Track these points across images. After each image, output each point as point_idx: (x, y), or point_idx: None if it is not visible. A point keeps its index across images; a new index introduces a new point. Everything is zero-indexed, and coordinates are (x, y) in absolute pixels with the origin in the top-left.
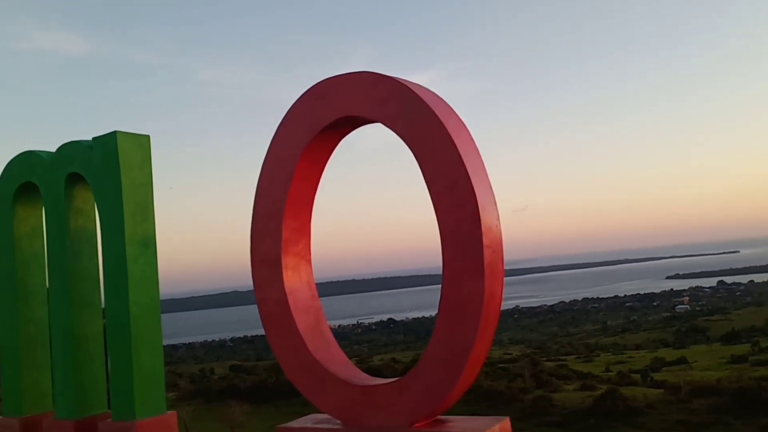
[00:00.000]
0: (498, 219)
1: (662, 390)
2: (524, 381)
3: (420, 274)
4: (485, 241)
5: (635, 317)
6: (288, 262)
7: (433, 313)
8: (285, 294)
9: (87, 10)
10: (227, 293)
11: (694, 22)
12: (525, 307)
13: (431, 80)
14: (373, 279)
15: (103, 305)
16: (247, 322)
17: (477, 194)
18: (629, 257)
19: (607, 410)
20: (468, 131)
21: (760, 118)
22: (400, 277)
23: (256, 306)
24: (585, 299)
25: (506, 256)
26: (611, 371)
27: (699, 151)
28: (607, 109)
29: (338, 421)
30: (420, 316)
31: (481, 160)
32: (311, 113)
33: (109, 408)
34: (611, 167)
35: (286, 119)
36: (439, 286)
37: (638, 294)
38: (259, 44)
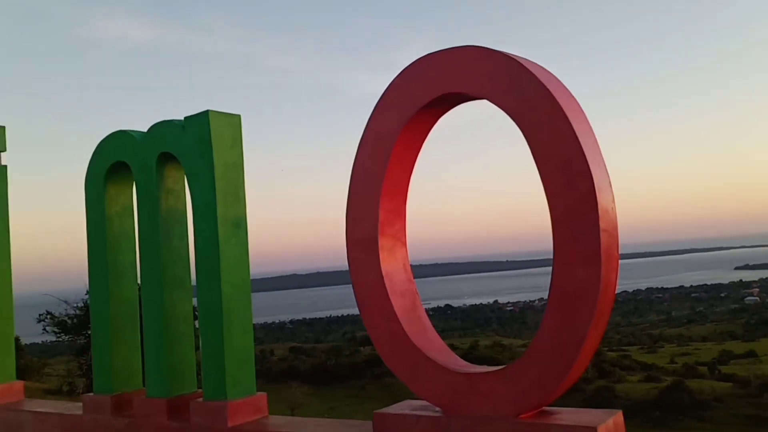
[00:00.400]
0: (614, 201)
1: (731, 383)
2: (586, 370)
3: (477, 260)
4: (601, 224)
5: (701, 308)
6: (384, 243)
7: (491, 300)
8: (382, 276)
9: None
10: (286, 276)
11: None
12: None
13: None
14: (430, 264)
15: (193, 285)
16: (306, 305)
17: (593, 174)
18: (696, 246)
19: (673, 402)
20: (580, 107)
21: None
22: (457, 263)
23: (313, 289)
24: (649, 289)
25: None
26: (676, 363)
27: None
28: (676, 93)
29: (437, 409)
30: (477, 303)
31: (595, 138)
32: (412, 90)
33: (198, 387)
34: (680, 155)
35: (385, 96)
36: (496, 273)
37: (705, 285)
38: (322, 32)
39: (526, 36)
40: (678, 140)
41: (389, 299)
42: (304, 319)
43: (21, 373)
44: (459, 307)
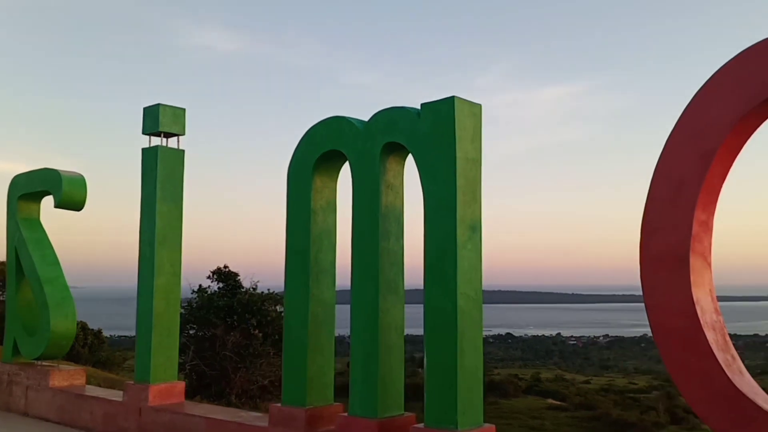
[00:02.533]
0: None
1: None
2: (657, 414)
3: (541, 290)
4: None
5: None
6: (694, 263)
7: (554, 332)
8: (692, 303)
9: (240, 9)
10: (344, 291)
11: None
12: (653, 337)
13: (576, 92)
14: (492, 291)
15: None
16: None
17: None
18: None
19: None
20: None
21: None
22: (521, 292)
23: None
24: None
25: (634, 282)
26: None
27: None
28: None
29: None
30: (539, 334)
31: None
32: (747, 83)
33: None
34: (760, 189)
35: (707, 89)
36: (560, 305)
37: None
38: (403, 50)
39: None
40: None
41: (702, 331)
42: None
43: (102, 365)
44: (520, 336)
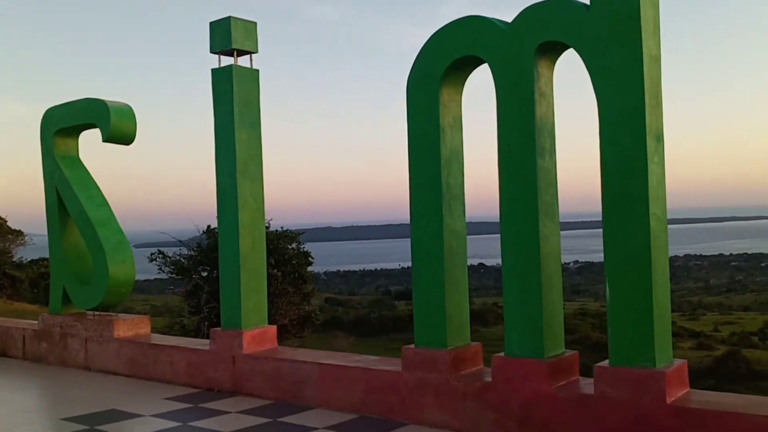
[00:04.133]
0: None
1: None
2: None
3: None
4: None
5: (741, 277)
6: None
7: None
8: None
9: None
10: (322, 228)
11: None
12: None
13: None
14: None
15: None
16: (340, 258)
17: None
18: (737, 215)
19: (729, 372)
20: None
21: None
22: (493, 222)
23: (348, 243)
24: (687, 255)
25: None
26: (720, 331)
27: None
28: (731, 57)
29: None
30: None
31: None
32: None
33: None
34: (725, 120)
35: None
36: None
37: (745, 254)
38: None
39: None
40: (728, 107)
41: None
42: (338, 271)
43: (107, 309)
44: (492, 266)
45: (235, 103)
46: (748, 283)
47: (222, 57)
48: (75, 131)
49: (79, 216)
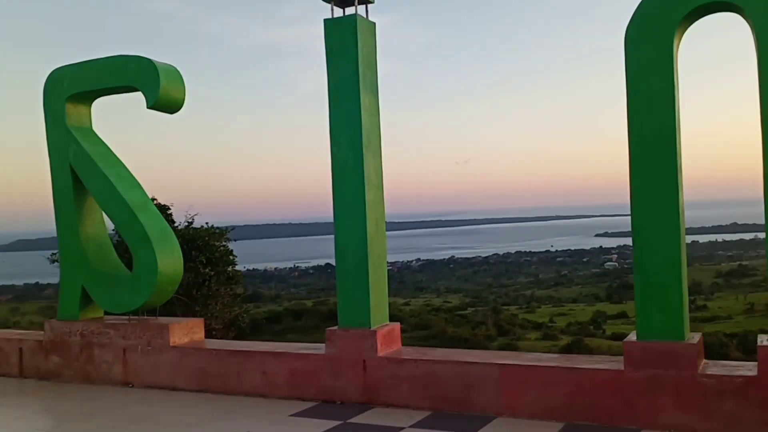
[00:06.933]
0: None
1: (621, 342)
2: (488, 329)
3: None
4: None
5: (566, 272)
6: None
7: None
8: None
9: None
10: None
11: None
12: (460, 258)
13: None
14: (311, 223)
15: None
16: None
17: None
18: (561, 214)
19: None
20: None
21: (696, 87)
22: (332, 223)
23: None
24: (518, 252)
25: (446, 207)
26: (555, 322)
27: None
28: (549, 66)
29: None
30: None
31: None
32: None
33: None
34: (550, 126)
35: None
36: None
37: (569, 250)
38: None
39: None
40: (550, 113)
41: None
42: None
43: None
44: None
45: (360, 62)
46: (573, 277)
47: (334, 7)
48: (91, 97)
49: (109, 199)
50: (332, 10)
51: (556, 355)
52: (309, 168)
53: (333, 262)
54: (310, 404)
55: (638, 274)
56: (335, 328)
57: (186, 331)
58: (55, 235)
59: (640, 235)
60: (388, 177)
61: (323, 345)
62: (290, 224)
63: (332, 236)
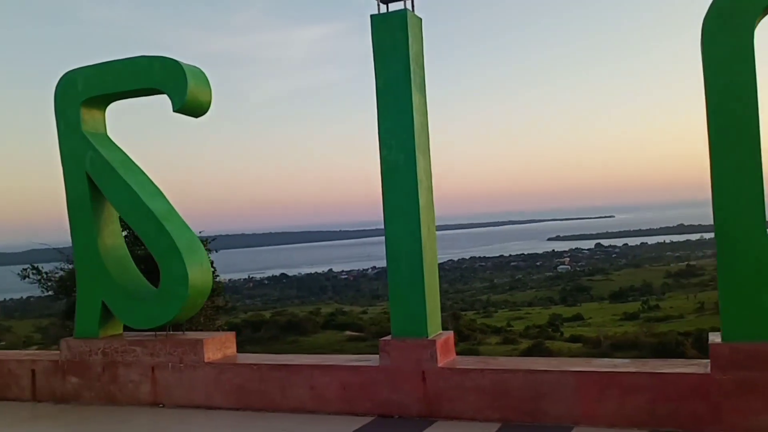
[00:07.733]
0: None
1: (580, 344)
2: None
3: (312, 230)
4: None
5: (520, 276)
6: None
7: (326, 268)
8: None
9: None
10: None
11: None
12: None
13: (324, 35)
14: (264, 234)
15: None
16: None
17: None
18: (514, 219)
19: None
20: None
21: (642, 93)
22: (291, 233)
23: None
24: (473, 258)
25: None
26: (513, 326)
27: (582, 124)
28: (501, 75)
29: None
30: (313, 272)
31: None
32: None
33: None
34: (502, 134)
35: None
36: (329, 243)
37: (523, 254)
38: None
39: None
40: (501, 121)
41: None
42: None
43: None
44: (294, 276)
45: (411, 59)
46: (527, 281)
47: (380, 3)
48: (107, 101)
49: (132, 209)
50: (378, 6)
51: (628, 361)
52: (264, 178)
53: (287, 272)
54: (366, 419)
55: (723, 273)
56: (389, 338)
57: (219, 346)
58: (25, 249)
59: (725, 235)
60: (342, 182)
61: (372, 356)
62: (243, 235)
63: (288, 246)
